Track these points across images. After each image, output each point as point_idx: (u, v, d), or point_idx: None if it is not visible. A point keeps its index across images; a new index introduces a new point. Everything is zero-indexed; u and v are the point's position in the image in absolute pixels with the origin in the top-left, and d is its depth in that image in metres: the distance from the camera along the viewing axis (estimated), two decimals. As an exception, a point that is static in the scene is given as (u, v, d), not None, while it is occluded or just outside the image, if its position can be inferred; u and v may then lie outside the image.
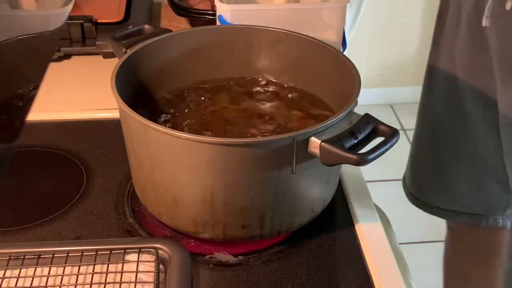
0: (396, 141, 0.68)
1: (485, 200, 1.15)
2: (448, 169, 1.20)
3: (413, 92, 2.78)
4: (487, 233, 1.20)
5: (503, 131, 1.05)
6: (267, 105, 0.85)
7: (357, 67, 0.77)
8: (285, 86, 0.88)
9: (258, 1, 1.01)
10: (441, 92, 1.16)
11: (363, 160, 0.65)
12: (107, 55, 1.12)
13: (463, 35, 1.06)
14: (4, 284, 0.67)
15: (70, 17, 1.12)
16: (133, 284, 0.67)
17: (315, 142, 0.67)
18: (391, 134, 0.69)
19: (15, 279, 0.68)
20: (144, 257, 0.71)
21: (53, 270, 0.69)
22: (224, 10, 0.91)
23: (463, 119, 1.13)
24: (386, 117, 2.31)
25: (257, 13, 0.92)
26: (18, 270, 0.69)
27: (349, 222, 0.79)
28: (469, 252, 1.32)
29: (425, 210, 1.27)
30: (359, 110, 0.72)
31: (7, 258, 0.70)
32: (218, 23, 0.93)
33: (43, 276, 0.68)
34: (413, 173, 1.29)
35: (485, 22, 0.98)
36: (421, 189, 1.27)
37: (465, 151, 1.16)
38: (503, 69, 0.99)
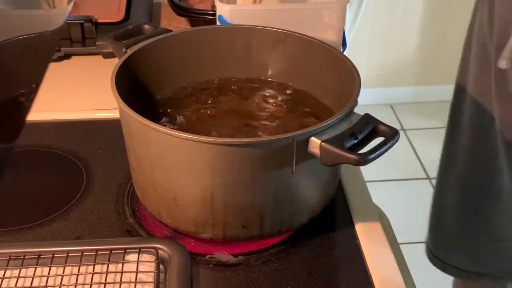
0: (396, 141, 0.68)
1: (509, 261, 1.09)
2: (473, 228, 1.13)
3: (413, 92, 2.79)
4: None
5: None
6: (267, 105, 0.85)
7: (357, 67, 0.77)
8: (285, 86, 0.88)
9: (258, 1, 1.01)
10: (467, 143, 1.07)
11: (363, 160, 0.65)
12: (107, 55, 1.12)
13: (488, 80, 0.97)
14: (4, 284, 0.67)
15: (70, 17, 1.12)
16: (133, 284, 0.67)
17: (315, 142, 0.67)
18: (391, 134, 0.69)
19: (15, 279, 0.68)
20: (144, 257, 0.71)
21: (53, 270, 0.69)
22: (224, 10, 0.91)
23: (490, 175, 1.05)
24: (386, 117, 2.31)
25: (257, 13, 0.92)
26: (18, 270, 0.69)
27: (349, 222, 0.79)
28: None
29: (448, 272, 1.20)
30: (359, 110, 0.72)
31: (7, 258, 0.70)
32: (218, 23, 0.93)
33: (43, 276, 0.68)
34: (435, 232, 1.23)
35: (501, 64, 0.89)
36: (444, 249, 1.21)
37: (492, 209, 1.09)
38: None
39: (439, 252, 1.21)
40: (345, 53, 0.90)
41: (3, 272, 0.69)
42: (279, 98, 0.86)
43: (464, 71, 1.05)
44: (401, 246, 0.86)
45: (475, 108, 1.03)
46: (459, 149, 1.10)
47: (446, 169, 1.16)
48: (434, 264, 1.23)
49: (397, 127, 2.50)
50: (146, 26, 0.88)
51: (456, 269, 1.18)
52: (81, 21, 1.13)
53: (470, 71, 1.02)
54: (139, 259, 0.70)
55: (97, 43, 1.13)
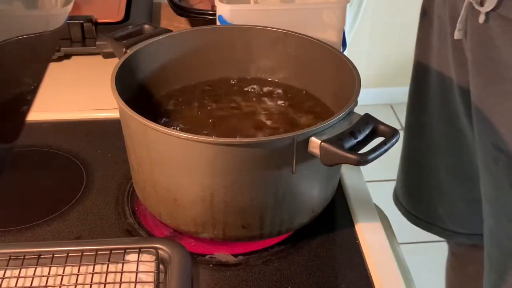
0: (396, 141, 0.68)
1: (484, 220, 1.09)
2: (445, 188, 1.15)
3: (413, 92, 2.79)
4: None
5: (477, 147, 1.00)
6: (267, 105, 0.85)
7: (357, 67, 0.77)
8: (285, 86, 0.88)
9: (257, 1, 1.01)
10: (433, 109, 1.12)
11: (363, 160, 0.65)
12: (107, 55, 1.12)
13: (446, 48, 1.03)
14: (4, 284, 0.67)
15: (70, 17, 1.12)
16: (133, 284, 0.67)
17: (315, 142, 0.67)
18: (391, 134, 0.69)
19: (15, 279, 0.68)
20: (144, 257, 0.71)
21: (53, 270, 0.69)
22: (224, 10, 0.91)
23: (458, 136, 1.09)
24: (386, 117, 2.31)
25: (257, 13, 0.92)
26: (18, 270, 0.69)
27: (349, 222, 0.79)
28: (475, 275, 1.25)
29: (423, 227, 1.22)
30: (359, 110, 0.72)
31: (7, 258, 0.70)
32: (218, 23, 0.93)
33: (43, 276, 0.68)
34: (407, 190, 1.24)
35: (457, 35, 0.95)
36: (418, 206, 1.22)
37: (462, 170, 1.12)
38: (480, 79, 0.94)
39: (414, 209, 1.23)
40: (345, 53, 0.90)
41: (3, 272, 0.69)
42: (279, 98, 0.86)
43: (424, 42, 1.09)
44: (401, 246, 0.86)
45: (438, 75, 1.07)
46: (426, 116, 1.14)
47: (412, 134, 1.20)
48: (409, 219, 1.24)
49: (397, 127, 2.50)
50: (146, 26, 0.88)
51: (431, 225, 1.20)
52: (81, 21, 1.13)
53: (432, 43, 1.07)
54: (139, 259, 0.70)
55: (97, 43, 1.13)
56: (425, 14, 1.08)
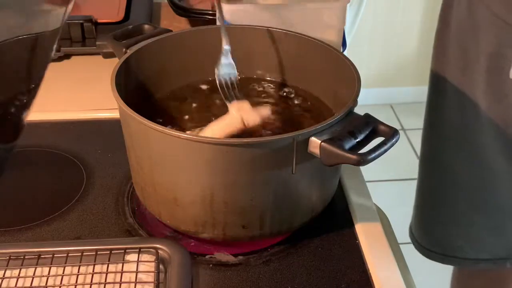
0: (396, 141, 0.68)
1: (508, 243, 1.08)
2: (466, 220, 1.12)
3: (413, 92, 2.79)
4: (500, 270, 1.14)
5: None
6: (267, 105, 0.85)
7: (357, 67, 0.77)
8: (285, 86, 0.88)
9: (257, 1, 1.01)
10: (453, 142, 1.07)
11: (363, 160, 0.65)
12: (107, 55, 1.12)
13: (472, 85, 0.97)
14: (4, 284, 0.67)
15: (70, 17, 1.12)
16: (133, 284, 0.67)
17: (315, 142, 0.67)
18: (391, 134, 0.69)
19: (15, 279, 0.68)
20: (144, 257, 0.71)
21: (53, 270, 0.69)
22: (224, 10, 0.91)
23: (483, 171, 1.04)
24: (386, 117, 2.31)
25: (257, 13, 0.92)
26: (18, 270, 0.69)
27: (349, 222, 0.79)
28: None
29: (440, 261, 1.19)
30: (359, 110, 0.72)
31: (7, 258, 0.70)
32: (218, 23, 0.93)
33: (43, 276, 0.68)
34: (422, 225, 1.21)
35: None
36: (433, 240, 1.19)
37: (485, 201, 1.08)
38: None
39: (429, 243, 1.20)
40: (345, 53, 0.90)
41: (3, 272, 0.69)
42: (279, 98, 0.86)
43: (441, 56, 1.06)
44: (401, 246, 0.86)
45: (459, 101, 1.03)
46: (442, 146, 1.09)
47: (431, 165, 1.15)
48: (424, 254, 1.21)
49: (397, 127, 2.50)
50: (146, 26, 0.88)
51: (450, 258, 1.18)
52: (81, 21, 1.13)
53: (450, 74, 1.03)
54: (139, 259, 0.70)
55: (97, 43, 1.13)
56: (444, 22, 1.04)
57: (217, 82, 0.79)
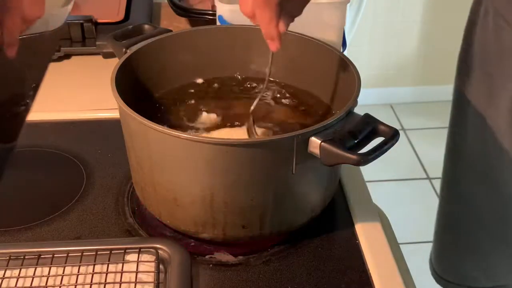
0: (396, 141, 0.68)
1: None
2: (484, 250, 1.11)
3: (413, 92, 2.79)
4: None
5: None
6: (267, 104, 0.85)
7: (357, 67, 0.77)
8: (285, 85, 0.88)
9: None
10: (475, 173, 1.04)
11: (363, 160, 0.65)
12: (107, 55, 1.12)
13: (503, 110, 0.93)
14: (4, 284, 0.67)
15: (70, 17, 1.12)
16: (133, 284, 0.67)
17: (315, 142, 0.67)
18: (391, 134, 0.69)
19: (15, 279, 0.68)
20: (144, 257, 0.71)
21: (53, 270, 0.69)
22: (224, 10, 0.91)
23: (505, 202, 1.02)
24: (386, 117, 2.31)
25: (257, 13, 0.92)
26: (18, 270, 0.69)
27: (349, 222, 0.79)
28: None
29: None
30: (359, 110, 0.72)
31: (7, 258, 0.70)
32: (218, 23, 0.93)
33: (43, 276, 0.68)
34: (440, 255, 1.20)
35: None
36: (449, 268, 1.18)
37: (504, 234, 1.07)
38: None
39: (448, 274, 1.19)
40: (345, 53, 0.90)
41: (3, 272, 0.69)
42: (279, 98, 0.86)
43: (463, 93, 1.01)
44: (401, 246, 0.86)
45: (480, 129, 0.98)
46: (462, 176, 1.07)
47: (452, 194, 1.13)
48: (443, 286, 1.20)
49: (397, 127, 2.50)
50: (146, 26, 0.88)
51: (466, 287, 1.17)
52: (81, 21, 1.13)
53: (473, 98, 0.98)
54: (139, 259, 0.70)
55: (97, 43, 1.13)
56: (467, 42, 1.00)
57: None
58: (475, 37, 0.97)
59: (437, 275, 1.22)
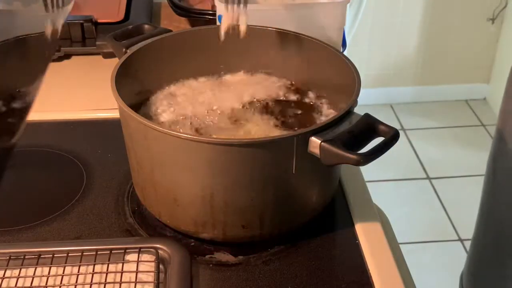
0: (396, 141, 0.68)
1: None
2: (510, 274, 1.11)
3: (413, 92, 2.79)
4: None
5: None
6: (267, 105, 0.85)
7: (357, 67, 0.77)
8: (285, 85, 0.88)
9: (257, 1, 1.01)
10: (506, 196, 1.04)
11: (363, 160, 0.65)
12: (107, 55, 1.12)
13: None
14: (4, 284, 0.67)
15: (70, 17, 1.12)
16: (133, 284, 0.67)
17: (315, 142, 0.67)
18: (391, 134, 0.69)
19: (15, 279, 0.68)
20: (144, 257, 0.71)
21: (53, 270, 0.69)
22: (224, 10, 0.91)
23: None
24: (386, 117, 2.32)
25: (256, 13, 0.92)
26: (18, 270, 0.69)
27: (349, 222, 0.79)
28: None
29: None
30: (359, 110, 0.72)
31: (7, 258, 0.70)
32: (218, 23, 0.93)
33: (43, 276, 0.68)
34: (471, 277, 1.20)
35: None
36: None
37: None
38: None
39: None
40: (345, 53, 0.90)
41: (3, 272, 0.69)
42: (279, 98, 0.86)
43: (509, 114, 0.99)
44: (401, 246, 0.86)
45: None
46: (498, 204, 1.06)
47: (485, 221, 1.12)
48: None
49: (397, 127, 2.50)
50: (146, 26, 0.88)
51: None
52: (81, 21, 1.13)
53: None
54: (139, 259, 0.70)
55: (97, 43, 1.13)
56: None
57: None
58: None
59: None
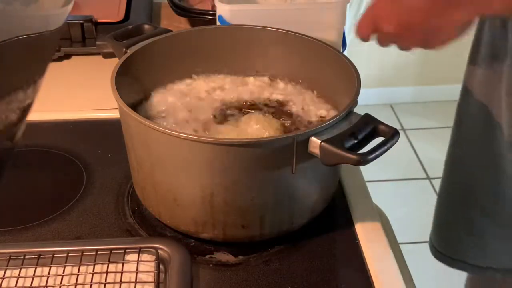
0: (396, 141, 0.68)
1: None
2: (480, 228, 1.12)
3: (413, 92, 2.79)
4: None
5: None
6: (267, 105, 0.85)
7: (357, 67, 0.77)
8: (285, 85, 0.88)
9: (257, 1, 1.01)
10: (473, 146, 1.06)
11: (363, 160, 0.65)
12: (107, 55, 1.12)
13: (500, 81, 0.96)
14: (4, 284, 0.67)
15: (70, 17, 1.12)
16: (133, 284, 0.67)
17: (315, 142, 0.67)
18: (391, 134, 0.69)
19: (15, 279, 0.68)
20: (144, 257, 0.71)
21: (53, 270, 0.69)
22: (224, 10, 0.91)
23: (498, 176, 1.04)
24: (386, 117, 2.31)
25: (256, 13, 0.92)
26: (18, 270, 0.69)
27: (349, 222, 0.79)
28: None
29: (456, 267, 1.19)
30: (359, 110, 0.72)
31: (7, 258, 0.70)
32: (218, 23, 0.93)
33: (43, 276, 0.68)
34: (440, 230, 1.22)
35: None
36: (451, 246, 1.20)
37: (500, 211, 1.08)
38: None
39: (446, 249, 1.21)
40: (345, 53, 0.90)
41: (3, 272, 0.69)
42: (279, 98, 0.86)
43: (471, 72, 1.03)
44: (401, 246, 0.86)
45: (483, 109, 1.02)
46: (464, 153, 1.09)
47: (450, 171, 1.15)
48: (442, 261, 1.22)
49: (397, 127, 2.49)
50: (146, 26, 0.88)
51: (465, 265, 1.18)
52: (81, 21, 1.13)
53: (478, 73, 1.01)
54: (139, 259, 0.70)
55: (97, 43, 1.13)
56: (477, 41, 1.02)
57: None
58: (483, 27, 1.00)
59: (436, 250, 1.23)
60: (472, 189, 1.10)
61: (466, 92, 1.05)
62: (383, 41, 0.78)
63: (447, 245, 1.20)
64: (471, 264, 1.17)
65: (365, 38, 0.78)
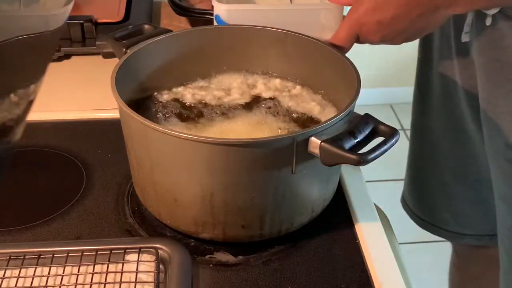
0: (396, 141, 0.68)
1: (493, 220, 1.07)
2: (451, 191, 1.15)
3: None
4: (496, 252, 1.12)
5: (488, 148, 0.98)
6: (267, 105, 0.85)
7: (357, 67, 0.77)
8: (285, 85, 0.88)
9: (255, 1, 1.01)
10: (437, 112, 1.11)
11: (363, 160, 0.65)
12: (107, 55, 1.12)
13: (449, 51, 1.02)
14: (4, 284, 0.67)
15: (70, 17, 1.11)
16: (133, 284, 0.67)
17: (315, 142, 0.67)
18: (391, 134, 0.69)
19: (15, 279, 0.68)
20: (144, 257, 0.71)
21: (53, 270, 0.69)
22: (221, 10, 0.91)
23: (462, 138, 1.08)
24: (386, 117, 2.31)
25: (254, 13, 0.92)
26: (18, 270, 0.69)
27: (349, 222, 0.79)
28: (479, 274, 1.27)
29: (430, 231, 1.22)
30: (359, 110, 0.72)
31: (7, 258, 0.70)
32: (215, 22, 0.93)
33: (43, 276, 0.68)
34: (414, 194, 1.25)
35: (464, 38, 0.94)
36: (425, 209, 1.22)
37: (468, 172, 1.11)
38: (488, 81, 0.93)
39: (421, 212, 1.22)
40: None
41: (3, 272, 0.69)
42: (279, 98, 0.86)
43: (425, 44, 1.08)
44: (401, 246, 0.86)
45: (441, 78, 1.06)
46: (430, 119, 1.12)
47: (418, 138, 1.19)
48: (417, 223, 1.24)
49: (397, 127, 2.50)
50: (146, 26, 0.88)
51: (438, 229, 1.20)
52: (81, 21, 1.13)
53: (434, 47, 1.06)
54: (139, 259, 0.70)
55: (97, 43, 1.13)
56: None
57: None
58: None
59: (410, 210, 1.25)
60: (442, 154, 1.13)
61: (424, 65, 1.09)
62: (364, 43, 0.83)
63: (421, 207, 1.22)
64: (447, 230, 1.19)
65: (345, 46, 0.82)
